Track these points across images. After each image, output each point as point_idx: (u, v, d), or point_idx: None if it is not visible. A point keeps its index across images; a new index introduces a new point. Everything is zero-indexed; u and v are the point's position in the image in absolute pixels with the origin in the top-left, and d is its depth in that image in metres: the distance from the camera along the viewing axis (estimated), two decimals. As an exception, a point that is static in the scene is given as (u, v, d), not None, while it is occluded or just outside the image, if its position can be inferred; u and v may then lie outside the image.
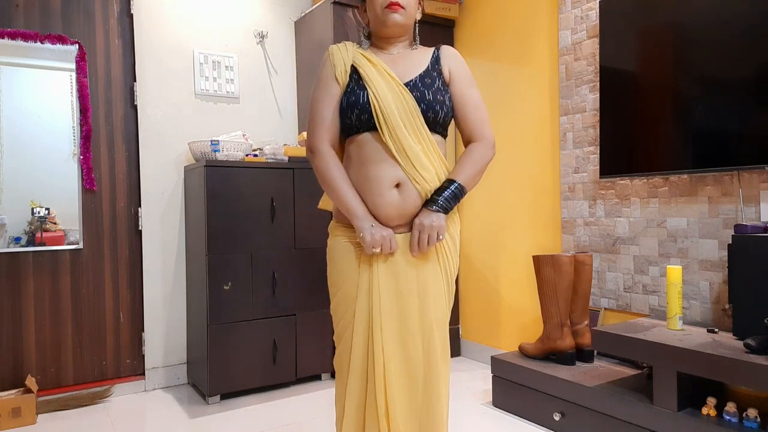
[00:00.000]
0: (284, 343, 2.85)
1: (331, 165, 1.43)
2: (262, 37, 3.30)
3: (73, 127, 2.76)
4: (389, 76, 1.42)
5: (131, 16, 2.91)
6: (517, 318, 3.01)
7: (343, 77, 1.45)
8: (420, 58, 1.49)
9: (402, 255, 1.41)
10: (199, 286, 2.77)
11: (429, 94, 1.42)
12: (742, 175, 2.04)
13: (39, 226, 2.67)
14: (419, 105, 1.40)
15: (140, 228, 2.93)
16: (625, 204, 2.44)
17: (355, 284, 1.43)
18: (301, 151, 2.95)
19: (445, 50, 1.51)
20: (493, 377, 2.56)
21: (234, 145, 2.82)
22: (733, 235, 1.85)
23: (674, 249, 2.26)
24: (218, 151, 2.77)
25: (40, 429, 2.41)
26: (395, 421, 1.38)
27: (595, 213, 2.56)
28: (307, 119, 3.51)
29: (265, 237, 2.79)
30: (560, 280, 2.39)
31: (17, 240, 2.62)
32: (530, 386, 2.35)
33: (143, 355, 2.93)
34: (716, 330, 2.01)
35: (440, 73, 1.47)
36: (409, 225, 1.43)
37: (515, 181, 2.99)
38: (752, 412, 1.74)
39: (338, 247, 1.48)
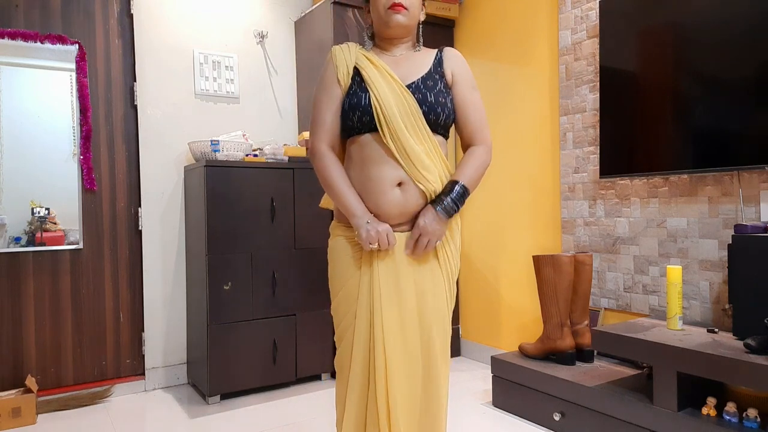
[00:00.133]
0: (284, 343, 2.85)
1: (330, 166, 1.44)
2: (262, 37, 3.30)
3: (73, 127, 2.76)
4: (391, 78, 1.42)
5: (131, 16, 2.91)
6: (517, 318, 3.01)
7: (346, 79, 1.45)
8: (423, 60, 1.49)
9: (403, 255, 1.42)
10: (199, 286, 2.77)
11: (431, 97, 1.42)
12: (742, 175, 2.04)
13: (39, 226, 2.67)
14: (421, 107, 1.40)
15: (140, 228, 2.93)
16: (625, 204, 2.44)
17: (357, 284, 1.43)
18: (301, 151, 2.95)
19: (448, 52, 1.51)
20: (493, 377, 2.56)
21: (234, 145, 2.82)
22: (733, 235, 1.85)
23: (674, 249, 2.26)
24: (218, 151, 2.77)
25: (40, 429, 2.41)
26: (396, 422, 1.38)
27: (595, 213, 2.56)
28: (307, 119, 3.52)
29: (265, 237, 2.79)
30: (560, 280, 2.39)
31: (17, 240, 2.62)
32: (530, 386, 2.35)
33: (143, 355, 2.93)
34: (716, 330, 2.01)
35: (443, 76, 1.47)
36: (411, 223, 1.43)
37: (515, 181, 2.99)
38: (752, 412, 1.74)
39: (339, 247, 1.48)
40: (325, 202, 1.61)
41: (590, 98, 2.56)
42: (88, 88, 2.79)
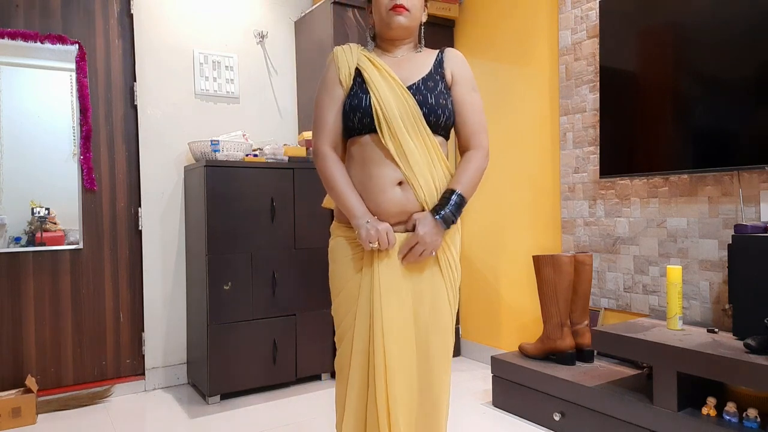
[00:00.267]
0: (284, 343, 2.85)
1: (332, 166, 1.44)
2: (262, 37, 3.30)
3: (73, 127, 2.76)
4: (392, 80, 1.42)
5: (131, 16, 2.91)
6: (517, 318, 3.01)
7: (347, 80, 1.45)
8: (424, 61, 1.49)
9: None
10: (199, 286, 2.77)
11: (431, 98, 1.42)
12: (742, 175, 2.04)
13: (39, 226, 2.67)
14: (421, 108, 1.41)
15: (140, 228, 2.93)
16: (625, 204, 2.44)
17: (357, 285, 1.43)
18: (301, 151, 2.95)
19: (449, 53, 1.51)
20: (493, 377, 2.56)
21: (234, 145, 2.82)
22: (733, 235, 1.85)
23: (674, 249, 2.26)
24: (218, 151, 2.77)
25: (40, 429, 2.41)
26: (396, 422, 1.38)
27: (595, 213, 2.56)
28: (307, 119, 3.52)
29: (265, 237, 2.79)
30: (560, 280, 2.39)
31: (17, 240, 2.62)
32: (530, 386, 2.35)
33: (143, 355, 2.93)
34: (716, 330, 2.01)
35: (443, 77, 1.47)
36: (411, 224, 1.43)
37: (515, 181, 2.99)
38: (752, 412, 1.74)
39: (339, 247, 1.48)
40: (328, 202, 1.61)
41: (590, 98, 2.56)
42: (88, 88, 2.79)
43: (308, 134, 3.01)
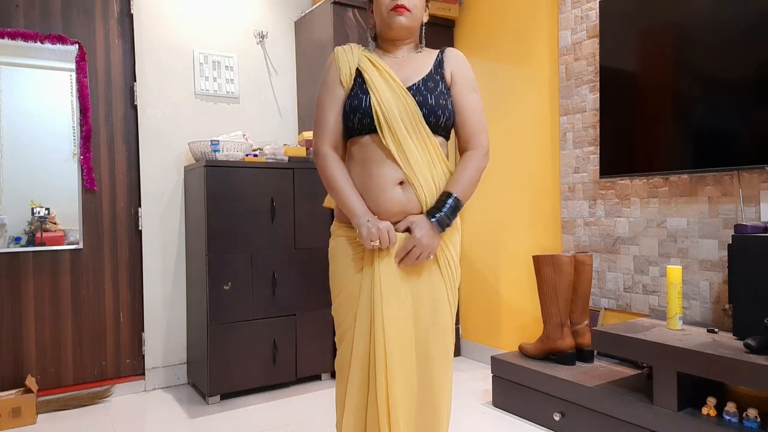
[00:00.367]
0: (284, 343, 2.85)
1: (333, 166, 1.45)
2: (262, 37, 3.30)
3: (73, 127, 2.76)
4: (392, 81, 1.42)
5: (131, 16, 2.91)
6: (517, 318, 3.01)
7: (348, 80, 1.46)
8: (424, 62, 1.49)
9: None
10: (199, 286, 2.77)
11: (431, 99, 1.42)
12: (742, 175, 2.04)
13: (39, 226, 2.67)
14: (421, 109, 1.40)
15: (140, 228, 2.93)
16: (625, 204, 2.44)
17: (358, 285, 1.43)
18: (301, 151, 2.95)
19: (449, 53, 1.51)
20: (493, 377, 2.56)
21: (234, 145, 2.82)
22: (733, 235, 1.85)
23: (674, 249, 2.26)
24: (218, 151, 2.77)
25: (40, 429, 2.41)
26: (396, 422, 1.38)
27: (595, 213, 2.56)
28: (307, 119, 3.52)
29: (265, 237, 2.79)
30: (560, 280, 2.39)
31: (17, 240, 2.62)
32: (530, 386, 2.35)
33: (143, 355, 2.93)
34: (716, 330, 2.01)
35: (443, 77, 1.47)
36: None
37: (515, 181, 2.99)
38: (752, 412, 1.74)
39: (340, 247, 1.48)
40: (329, 202, 1.61)
41: (590, 98, 2.56)
42: (88, 88, 2.79)
43: (308, 134, 3.01)
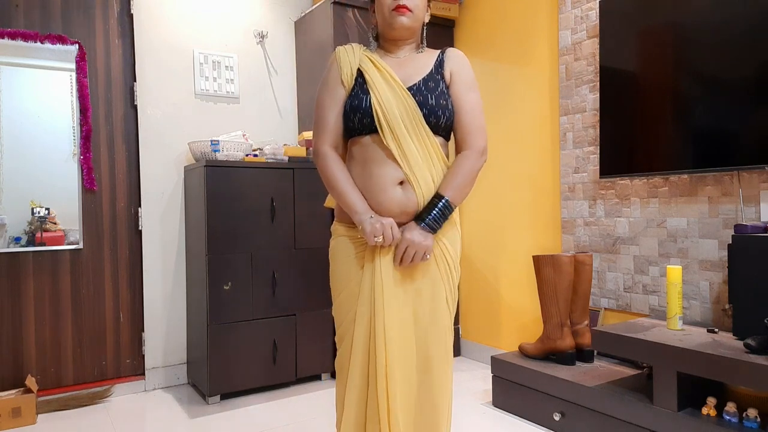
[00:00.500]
0: (284, 343, 2.85)
1: (333, 165, 1.45)
2: (262, 37, 3.30)
3: (73, 127, 2.76)
4: (393, 81, 1.42)
5: (131, 16, 2.91)
6: (517, 318, 3.01)
7: (349, 80, 1.46)
8: (425, 62, 1.49)
9: None
10: (199, 286, 2.77)
11: (431, 99, 1.42)
12: (742, 175, 2.04)
13: (39, 226, 2.67)
14: (421, 110, 1.40)
15: (140, 228, 2.93)
16: (625, 204, 2.44)
17: (359, 284, 1.43)
18: (301, 151, 2.95)
19: (450, 53, 1.50)
20: (493, 377, 2.56)
21: (234, 145, 2.82)
22: (733, 235, 1.85)
23: (674, 249, 2.26)
24: (218, 151, 2.77)
25: (40, 429, 2.41)
26: (396, 423, 1.38)
27: (595, 213, 2.56)
28: (307, 119, 3.51)
29: (265, 237, 2.79)
30: (560, 280, 2.39)
31: (17, 240, 2.62)
32: (530, 386, 2.36)
33: (143, 355, 2.93)
34: (716, 330, 2.01)
35: (443, 77, 1.47)
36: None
37: (515, 181, 2.99)
38: (752, 412, 1.74)
39: (341, 247, 1.48)
40: (329, 202, 1.61)
41: (590, 98, 2.56)
42: (88, 88, 2.79)
43: (308, 134, 3.01)
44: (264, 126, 3.32)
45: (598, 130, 2.53)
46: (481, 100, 1.50)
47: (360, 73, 1.46)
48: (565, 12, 2.67)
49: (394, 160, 1.40)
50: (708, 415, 1.82)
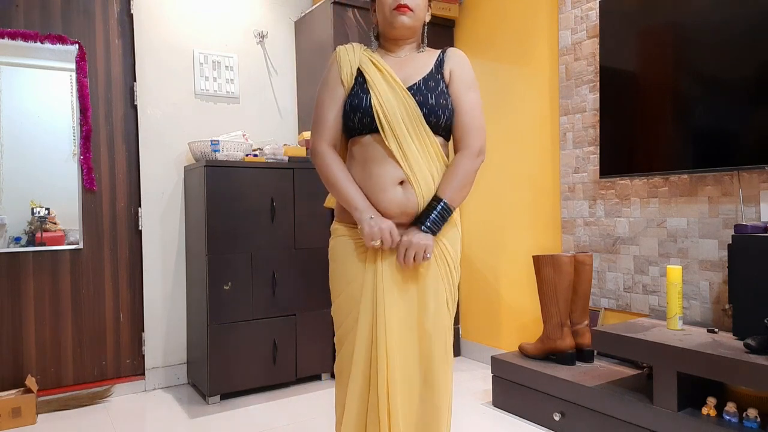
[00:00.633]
0: (284, 343, 2.85)
1: (332, 164, 1.44)
2: (262, 37, 3.30)
3: (73, 127, 2.76)
4: (393, 81, 1.42)
5: (131, 16, 2.91)
6: (517, 318, 3.01)
7: (349, 80, 1.46)
8: (426, 61, 1.49)
9: None
10: (199, 286, 2.77)
11: (432, 99, 1.42)
12: (742, 175, 2.04)
13: (39, 226, 2.67)
14: (421, 109, 1.40)
15: (140, 228, 2.93)
16: (625, 204, 2.44)
17: (359, 286, 1.43)
18: (301, 151, 2.95)
19: (450, 52, 1.50)
20: (493, 377, 2.56)
21: (234, 145, 2.82)
22: (733, 235, 1.85)
23: (674, 249, 2.26)
24: (218, 151, 2.77)
25: (40, 429, 2.41)
26: (396, 423, 1.38)
27: (595, 213, 2.56)
28: (307, 119, 3.51)
29: (265, 237, 2.79)
30: (560, 280, 2.39)
31: (17, 240, 2.62)
32: (530, 386, 2.35)
33: (143, 355, 2.93)
34: (716, 330, 2.01)
35: (443, 77, 1.47)
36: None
37: (515, 181, 2.99)
38: (752, 412, 1.74)
39: (341, 246, 1.48)
40: (329, 202, 1.61)
41: (590, 98, 2.56)
42: (88, 88, 2.79)
43: (308, 134, 3.01)
44: (264, 126, 3.32)
45: (598, 130, 2.53)
46: (480, 100, 1.50)
47: (360, 73, 1.46)
48: (565, 12, 2.67)
49: (395, 159, 1.40)
50: (708, 415, 1.82)
